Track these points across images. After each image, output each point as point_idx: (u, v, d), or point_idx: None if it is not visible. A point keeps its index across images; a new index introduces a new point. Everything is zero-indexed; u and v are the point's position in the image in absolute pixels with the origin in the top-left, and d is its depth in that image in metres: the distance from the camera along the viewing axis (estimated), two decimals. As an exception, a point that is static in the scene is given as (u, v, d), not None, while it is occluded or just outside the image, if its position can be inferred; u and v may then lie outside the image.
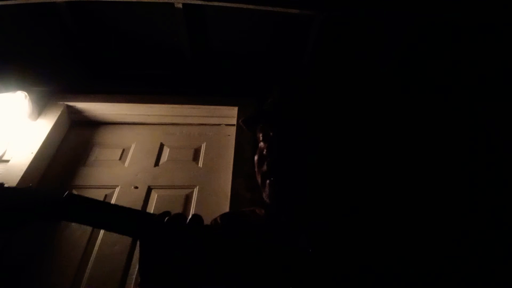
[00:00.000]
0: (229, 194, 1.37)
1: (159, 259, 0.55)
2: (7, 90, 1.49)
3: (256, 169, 0.73)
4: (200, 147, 1.67)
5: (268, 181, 0.68)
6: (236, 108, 1.68)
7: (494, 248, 1.16)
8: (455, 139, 1.52)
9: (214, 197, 1.47)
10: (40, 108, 1.61)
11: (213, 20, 1.62)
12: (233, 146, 1.56)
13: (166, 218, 0.56)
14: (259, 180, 0.72)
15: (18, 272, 1.23)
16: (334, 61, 1.76)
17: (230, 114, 1.71)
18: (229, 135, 1.68)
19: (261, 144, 0.74)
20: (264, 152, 0.70)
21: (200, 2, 1.45)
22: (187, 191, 1.50)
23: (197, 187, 1.51)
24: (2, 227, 0.55)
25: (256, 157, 0.73)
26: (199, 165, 1.60)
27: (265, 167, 0.69)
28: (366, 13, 1.49)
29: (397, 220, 0.72)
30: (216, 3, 1.44)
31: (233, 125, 1.66)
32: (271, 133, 0.72)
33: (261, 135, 0.75)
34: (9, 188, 0.56)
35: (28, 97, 1.52)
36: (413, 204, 1.15)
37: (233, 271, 0.56)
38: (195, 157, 1.63)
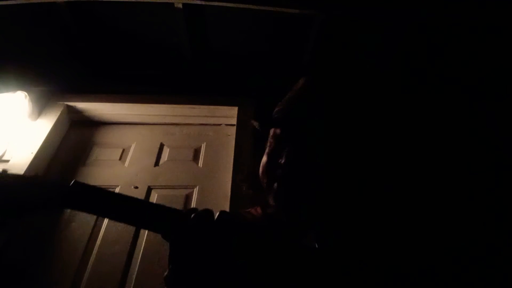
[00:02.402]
0: (229, 194, 1.37)
1: (188, 256, 0.54)
2: (7, 90, 1.49)
3: (262, 170, 0.72)
4: (200, 147, 1.67)
5: (276, 184, 0.67)
6: (236, 108, 1.68)
7: (495, 248, 1.16)
8: (456, 139, 1.52)
9: (214, 197, 1.47)
10: (40, 108, 1.61)
11: (213, 20, 1.62)
12: (233, 146, 1.56)
13: (193, 214, 0.56)
14: (264, 180, 0.71)
15: (18, 272, 1.23)
16: (334, 61, 1.76)
17: (230, 114, 1.71)
18: (229, 135, 1.68)
19: (273, 147, 0.72)
20: (281, 160, 0.68)
21: (200, 2, 1.46)
22: (187, 191, 1.50)
23: (197, 187, 1.51)
24: (4, 215, 0.54)
25: (265, 159, 0.72)
26: (199, 165, 1.60)
27: (278, 171, 0.68)
28: (366, 13, 1.49)
29: (400, 219, 0.72)
30: (216, 3, 1.44)
31: (233, 125, 1.66)
32: (283, 137, 0.71)
33: (273, 138, 0.73)
34: (12, 175, 0.55)
35: (28, 97, 1.52)
36: (415, 204, 1.15)
37: (254, 268, 0.56)
38: (195, 157, 1.63)
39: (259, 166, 0.74)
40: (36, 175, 0.58)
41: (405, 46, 1.66)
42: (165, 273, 0.57)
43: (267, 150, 0.74)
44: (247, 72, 1.81)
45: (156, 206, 0.57)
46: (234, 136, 1.60)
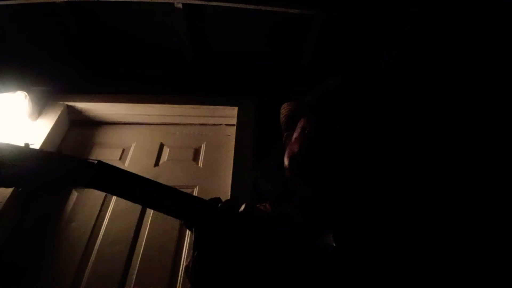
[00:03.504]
0: (229, 194, 1.37)
1: (213, 244, 0.55)
2: (7, 90, 1.49)
3: (296, 159, 0.70)
4: (200, 147, 1.67)
5: (319, 171, 0.67)
6: (236, 108, 1.68)
7: (495, 248, 1.16)
8: (456, 137, 1.52)
9: (214, 197, 1.46)
10: (40, 108, 1.61)
11: (213, 20, 1.62)
12: (233, 146, 1.56)
13: (219, 204, 0.56)
14: (293, 170, 0.70)
15: (19, 271, 1.23)
16: (334, 60, 1.76)
17: (230, 114, 1.71)
18: (229, 135, 1.68)
19: (311, 134, 0.71)
20: (329, 147, 0.68)
21: (200, 2, 1.46)
22: (187, 191, 1.48)
23: (197, 187, 1.51)
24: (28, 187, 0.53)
25: (296, 148, 0.71)
26: (199, 165, 1.60)
27: (324, 157, 0.67)
28: (366, 12, 1.49)
29: (409, 218, 0.72)
30: (216, 3, 1.45)
31: (233, 125, 1.66)
32: (308, 129, 0.71)
33: (310, 125, 0.73)
34: (36, 150, 0.55)
35: (28, 97, 1.52)
36: (420, 203, 1.15)
37: (271, 262, 0.56)
38: (195, 157, 1.63)
39: (279, 159, 0.74)
40: (59, 151, 0.58)
41: (405, 46, 1.66)
42: (186, 263, 0.57)
43: (297, 138, 0.73)
44: (247, 72, 1.82)
45: (181, 193, 0.58)
46: (234, 136, 1.60)
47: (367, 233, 0.64)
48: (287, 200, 0.75)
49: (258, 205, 0.79)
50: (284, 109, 0.84)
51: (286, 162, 0.72)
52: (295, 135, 0.75)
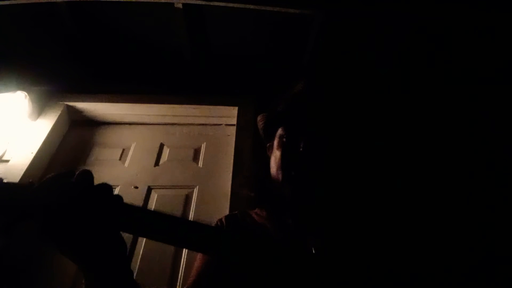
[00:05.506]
0: (229, 194, 1.37)
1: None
2: (7, 90, 1.49)
3: (278, 164, 0.73)
4: (200, 147, 1.67)
5: (294, 172, 0.70)
6: (236, 108, 1.68)
7: (494, 249, 1.16)
8: (456, 139, 1.52)
9: (214, 197, 1.46)
10: (40, 108, 1.61)
11: (213, 20, 1.62)
12: (233, 146, 1.56)
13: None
14: (279, 174, 0.72)
15: (18, 273, 1.23)
16: (334, 61, 1.76)
17: (230, 114, 1.71)
18: (229, 135, 1.68)
19: (286, 140, 0.75)
20: (299, 149, 0.71)
21: (200, 2, 1.46)
22: (187, 191, 1.50)
23: (197, 187, 1.50)
24: None
25: (278, 153, 0.74)
26: (199, 165, 1.60)
27: (296, 159, 0.71)
28: (366, 14, 1.49)
29: (400, 221, 0.73)
30: (216, 3, 1.45)
31: (233, 125, 1.66)
32: (296, 131, 0.73)
33: (285, 133, 0.76)
34: (9, 183, 0.51)
35: (28, 97, 1.52)
36: (415, 205, 1.15)
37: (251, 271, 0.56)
38: (195, 157, 1.63)
39: (265, 167, 0.75)
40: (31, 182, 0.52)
41: (405, 47, 1.66)
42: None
43: (278, 146, 0.75)
44: (247, 72, 1.81)
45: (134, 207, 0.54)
46: (234, 136, 1.60)
47: (356, 238, 0.64)
48: (266, 206, 0.77)
49: (256, 210, 0.80)
50: (259, 123, 0.87)
51: (274, 170, 0.74)
52: (275, 143, 0.77)
